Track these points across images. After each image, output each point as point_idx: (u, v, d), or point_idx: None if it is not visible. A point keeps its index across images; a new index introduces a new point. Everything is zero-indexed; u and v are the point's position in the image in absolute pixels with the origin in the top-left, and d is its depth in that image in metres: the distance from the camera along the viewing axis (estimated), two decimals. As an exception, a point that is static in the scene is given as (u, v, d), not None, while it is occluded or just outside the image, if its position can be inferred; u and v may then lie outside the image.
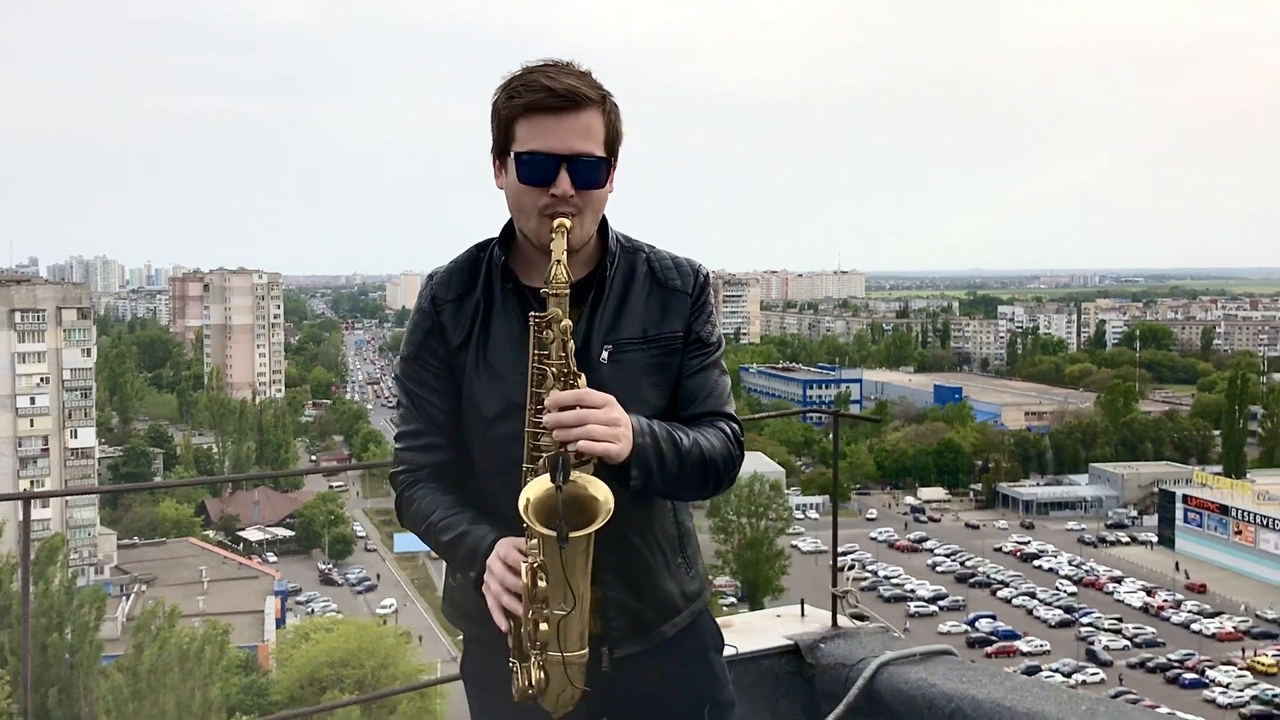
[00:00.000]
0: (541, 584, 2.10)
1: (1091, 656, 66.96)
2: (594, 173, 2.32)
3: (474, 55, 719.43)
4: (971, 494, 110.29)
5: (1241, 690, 61.83)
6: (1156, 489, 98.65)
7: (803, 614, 4.19)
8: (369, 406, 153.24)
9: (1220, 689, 62.03)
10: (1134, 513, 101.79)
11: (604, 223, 2.48)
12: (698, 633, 2.59)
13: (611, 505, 2.12)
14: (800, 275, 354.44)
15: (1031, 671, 56.76)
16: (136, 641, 48.24)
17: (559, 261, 2.22)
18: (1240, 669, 64.47)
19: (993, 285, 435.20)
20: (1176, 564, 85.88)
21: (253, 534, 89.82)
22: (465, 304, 2.43)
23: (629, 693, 2.45)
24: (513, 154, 2.32)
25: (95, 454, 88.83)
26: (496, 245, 2.47)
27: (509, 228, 2.46)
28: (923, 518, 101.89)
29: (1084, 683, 61.45)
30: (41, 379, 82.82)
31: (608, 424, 2.14)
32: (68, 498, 77.41)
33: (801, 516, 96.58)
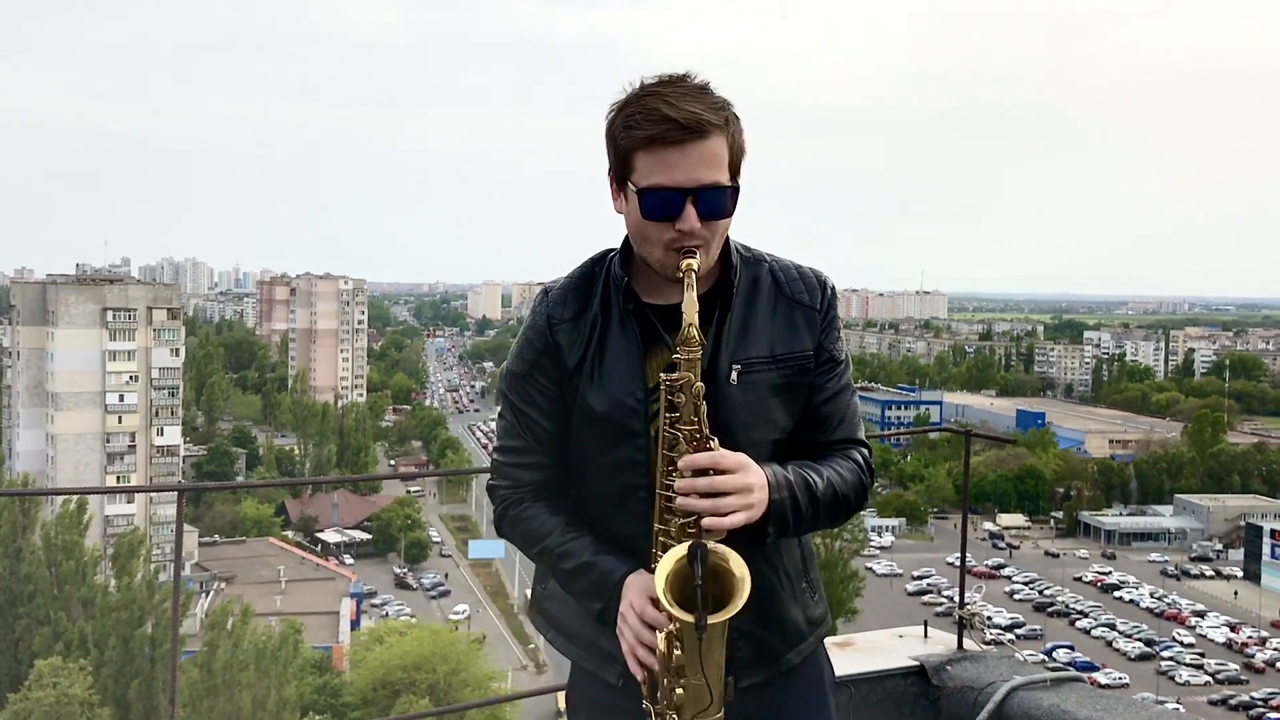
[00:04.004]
0: (677, 652, 2.04)
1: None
2: (721, 203, 2.19)
3: (555, 67, 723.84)
4: (1052, 522, 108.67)
5: (1329, 733, 60.23)
6: (1244, 522, 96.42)
7: (925, 635, 4.09)
8: (448, 413, 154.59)
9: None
10: (1219, 546, 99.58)
11: None
12: (817, 662, 2.52)
13: (749, 585, 2.05)
14: (881, 294, 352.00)
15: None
16: (210, 639, 48.97)
17: (691, 325, 2.11)
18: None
19: (1079, 310, 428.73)
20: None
21: (330, 536, 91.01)
22: (581, 322, 2.32)
23: None
24: (634, 188, 2.18)
25: (180, 452, 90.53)
26: (616, 262, 2.35)
27: (628, 244, 2.34)
28: (1001, 544, 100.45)
29: None
30: (131, 377, 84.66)
31: (741, 490, 2.08)
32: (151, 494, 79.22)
33: (877, 538, 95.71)
